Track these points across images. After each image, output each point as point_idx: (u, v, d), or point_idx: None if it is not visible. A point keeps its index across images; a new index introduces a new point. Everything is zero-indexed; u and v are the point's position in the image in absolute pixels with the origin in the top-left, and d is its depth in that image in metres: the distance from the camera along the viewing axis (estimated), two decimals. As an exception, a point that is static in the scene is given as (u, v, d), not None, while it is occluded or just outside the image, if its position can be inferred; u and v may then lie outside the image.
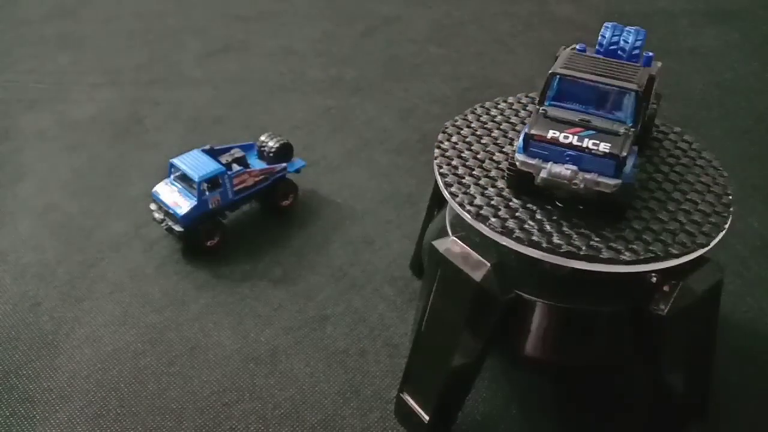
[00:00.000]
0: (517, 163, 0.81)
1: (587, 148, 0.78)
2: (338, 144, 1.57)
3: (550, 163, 0.79)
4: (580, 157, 0.78)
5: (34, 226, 1.34)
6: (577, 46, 0.86)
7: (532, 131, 0.80)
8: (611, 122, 0.79)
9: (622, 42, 0.86)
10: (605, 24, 0.87)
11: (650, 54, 0.87)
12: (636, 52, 0.85)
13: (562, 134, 0.79)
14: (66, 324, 1.14)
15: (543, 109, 0.82)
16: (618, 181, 0.77)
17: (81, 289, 1.21)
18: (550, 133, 0.79)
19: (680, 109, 1.66)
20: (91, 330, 1.14)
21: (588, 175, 0.78)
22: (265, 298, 1.19)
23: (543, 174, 0.79)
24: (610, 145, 0.77)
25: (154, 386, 1.05)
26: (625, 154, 0.77)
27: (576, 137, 0.79)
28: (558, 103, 0.82)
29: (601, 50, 0.87)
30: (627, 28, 0.87)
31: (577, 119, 0.80)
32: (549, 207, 0.84)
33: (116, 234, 1.32)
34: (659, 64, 0.90)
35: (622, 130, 0.78)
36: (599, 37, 0.87)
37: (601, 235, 0.80)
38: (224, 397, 1.04)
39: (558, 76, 0.81)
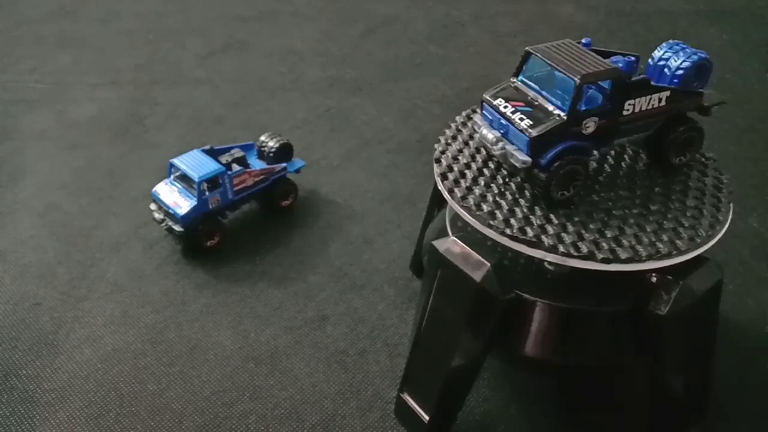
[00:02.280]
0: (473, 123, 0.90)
1: (514, 120, 0.81)
2: (338, 144, 1.57)
3: (486, 125, 0.85)
4: (508, 127, 0.82)
5: (34, 226, 1.34)
6: (583, 40, 0.87)
7: (485, 95, 0.86)
8: (555, 107, 0.80)
9: (671, 61, 0.84)
10: (668, 41, 0.87)
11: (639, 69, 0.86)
12: (679, 72, 0.84)
13: (504, 103, 0.83)
14: (66, 324, 1.14)
15: (512, 81, 0.86)
16: (527, 159, 0.80)
17: (81, 289, 1.21)
18: (497, 101, 0.84)
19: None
20: (91, 330, 1.14)
21: (508, 146, 0.82)
22: (265, 298, 1.19)
23: (476, 133, 0.86)
24: (531, 122, 0.80)
25: (154, 386, 1.05)
26: (536, 134, 0.78)
27: (512, 109, 0.82)
28: (529, 81, 0.85)
29: (651, 64, 0.86)
30: (686, 49, 0.85)
31: (530, 96, 0.83)
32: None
33: (116, 234, 1.32)
34: (712, 94, 0.87)
35: (553, 115, 0.80)
36: (655, 51, 0.86)
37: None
38: (224, 397, 1.04)
39: (531, 55, 0.85)
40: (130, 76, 1.84)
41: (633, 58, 0.86)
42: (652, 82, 0.83)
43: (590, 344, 0.90)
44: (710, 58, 0.86)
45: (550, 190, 0.81)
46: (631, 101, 0.82)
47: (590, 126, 0.81)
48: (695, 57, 0.84)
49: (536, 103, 0.82)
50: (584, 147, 0.82)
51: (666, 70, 0.85)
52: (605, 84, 0.80)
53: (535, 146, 0.79)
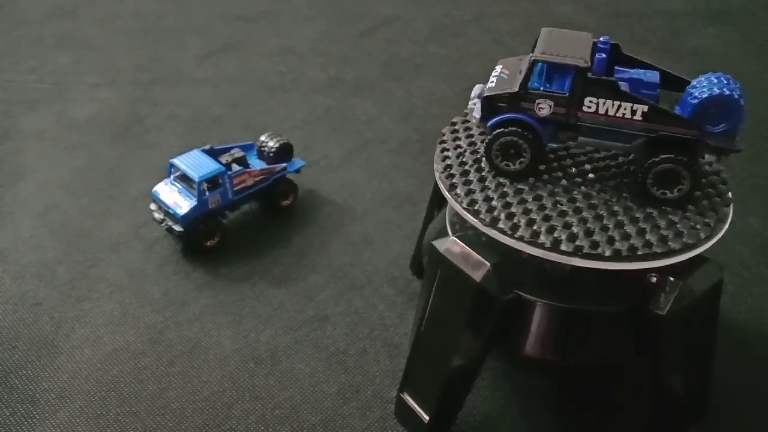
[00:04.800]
0: None
1: (488, 82, 0.87)
2: (338, 144, 1.57)
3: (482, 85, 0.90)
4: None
5: (34, 226, 1.34)
6: (601, 38, 0.87)
7: (500, 60, 0.91)
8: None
9: (695, 90, 0.81)
10: (712, 73, 0.84)
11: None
12: (693, 102, 0.80)
13: (498, 69, 0.89)
14: (66, 324, 1.14)
15: (527, 55, 0.88)
16: (477, 117, 0.87)
17: (81, 289, 1.21)
18: (498, 66, 0.90)
19: (680, 109, 1.66)
20: (91, 330, 1.14)
21: (478, 103, 0.87)
22: (265, 298, 1.19)
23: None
24: (492, 86, 0.85)
25: (154, 386, 1.05)
26: (485, 95, 0.85)
27: (497, 74, 0.87)
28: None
29: (688, 89, 0.84)
30: (720, 82, 0.81)
31: (521, 69, 0.86)
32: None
33: (116, 234, 1.32)
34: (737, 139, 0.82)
35: (513, 86, 0.84)
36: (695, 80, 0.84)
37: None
38: (224, 397, 1.04)
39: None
40: (130, 76, 1.84)
41: (656, 76, 0.85)
42: (622, 88, 0.80)
43: (590, 344, 0.90)
44: (737, 98, 0.79)
45: (491, 154, 0.86)
46: (593, 99, 0.81)
47: (544, 108, 0.83)
48: (716, 91, 0.79)
49: (517, 74, 0.85)
50: (533, 126, 0.84)
51: (689, 98, 0.81)
52: None
53: (484, 107, 0.85)
